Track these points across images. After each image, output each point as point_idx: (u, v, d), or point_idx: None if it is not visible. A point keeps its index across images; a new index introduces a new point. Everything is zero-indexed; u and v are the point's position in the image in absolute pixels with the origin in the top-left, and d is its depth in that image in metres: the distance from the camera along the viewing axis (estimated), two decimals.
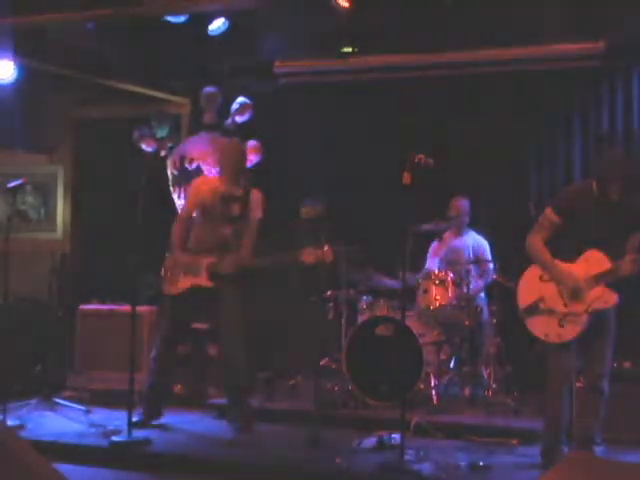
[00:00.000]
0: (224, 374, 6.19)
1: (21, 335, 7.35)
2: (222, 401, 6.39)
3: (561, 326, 4.95)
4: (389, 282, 7.02)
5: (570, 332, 4.93)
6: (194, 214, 6.08)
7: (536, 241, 5.08)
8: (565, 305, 4.96)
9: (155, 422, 6.06)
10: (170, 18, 6.63)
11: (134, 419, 5.84)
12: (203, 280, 5.93)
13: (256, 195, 6.14)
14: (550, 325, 4.98)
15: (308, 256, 5.74)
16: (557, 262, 5.04)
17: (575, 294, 4.94)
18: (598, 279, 4.91)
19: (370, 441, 5.49)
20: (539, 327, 5.02)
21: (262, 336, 7.43)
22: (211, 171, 7.34)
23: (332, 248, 5.75)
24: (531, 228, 5.18)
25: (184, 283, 5.97)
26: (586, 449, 5.02)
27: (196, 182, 6.19)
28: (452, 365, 6.88)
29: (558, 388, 5.06)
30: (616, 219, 4.89)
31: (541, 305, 5.03)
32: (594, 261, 4.93)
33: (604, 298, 4.93)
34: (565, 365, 5.04)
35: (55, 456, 4.33)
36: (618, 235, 4.92)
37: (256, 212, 6.08)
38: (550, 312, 4.99)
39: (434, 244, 7.38)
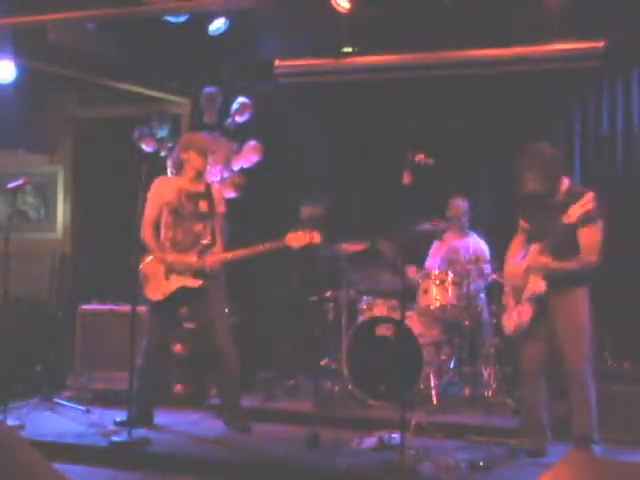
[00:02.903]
0: (215, 374, 6.18)
1: (21, 335, 7.35)
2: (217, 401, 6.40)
3: (513, 317, 5.31)
4: (389, 282, 7.01)
5: (517, 321, 5.27)
6: (162, 215, 5.99)
7: (512, 244, 5.47)
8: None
9: (143, 426, 5.90)
10: (170, 18, 6.63)
11: (119, 419, 5.86)
12: (189, 281, 5.91)
13: (217, 189, 6.19)
14: (509, 319, 5.36)
15: (293, 241, 5.75)
16: (510, 260, 5.46)
17: (515, 292, 5.32)
18: (528, 270, 5.23)
19: (370, 441, 5.49)
20: (505, 323, 5.44)
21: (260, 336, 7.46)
22: (211, 171, 7.34)
23: (319, 231, 5.78)
24: None
25: (169, 287, 5.92)
26: (584, 447, 5.05)
27: (156, 183, 6.04)
28: (452, 365, 6.88)
29: (525, 378, 5.35)
30: (553, 215, 5.10)
31: (504, 302, 5.50)
32: (533, 254, 5.26)
33: (535, 286, 5.19)
34: (528, 354, 5.31)
35: (55, 456, 4.33)
36: (556, 230, 5.10)
37: (220, 206, 6.10)
38: (509, 307, 5.39)
39: (435, 244, 7.39)
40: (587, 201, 4.99)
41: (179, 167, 6.11)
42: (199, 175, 6.07)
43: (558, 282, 5.15)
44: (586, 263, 5.12)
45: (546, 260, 5.16)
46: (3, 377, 6.17)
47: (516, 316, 5.29)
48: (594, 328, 6.10)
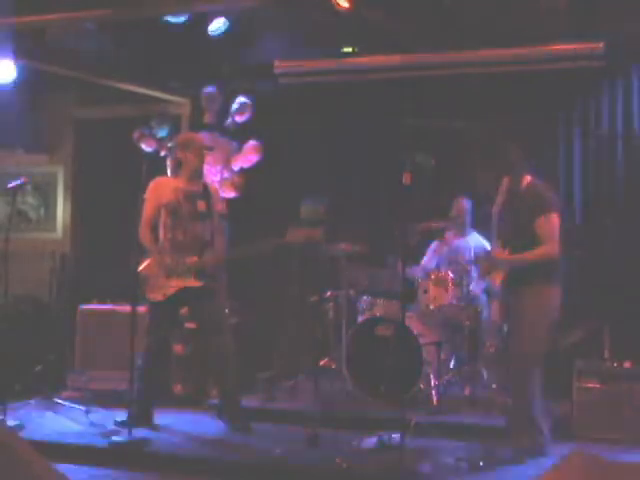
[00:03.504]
0: (215, 374, 6.19)
1: (21, 335, 7.36)
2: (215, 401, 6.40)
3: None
4: (389, 282, 7.01)
5: (493, 317, 5.73)
6: (161, 216, 5.99)
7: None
8: None
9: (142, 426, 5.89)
10: (170, 18, 6.63)
11: (119, 419, 5.86)
12: (190, 281, 5.91)
13: (214, 188, 6.20)
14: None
15: (293, 237, 5.75)
16: None
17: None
18: (490, 267, 5.49)
19: (370, 441, 5.49)
20: None
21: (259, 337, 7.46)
22: (211, 171, 7.35)
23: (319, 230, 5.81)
24: None
25: (169, 288, 5.91)
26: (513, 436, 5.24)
27: (153, 184, 6.01)
28: (452, 365, 6.88)
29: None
30: (511, 212, 5.30)
31: None
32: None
33: (494, 281, 5.41)
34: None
35: (55, 456, 4.33)
36: (512, 227, 5.27)
37: (218, 205, 6.11)
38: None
39: (434, 244, 7.39)
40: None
41: (176, 167, 6.09)
42: (196, 175, 6.06)
43: (515, 278, 5.23)
44: (542, 254, 5.16)
45: (500, 254, 5.26)
46: (3, 377, 6.17)
47: (492, 312, 5.47)
48: (601, 328, 6.14)
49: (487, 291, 6.96)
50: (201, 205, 5.99)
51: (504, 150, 5.37)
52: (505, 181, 5.30)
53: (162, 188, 6.00)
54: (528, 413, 5.25)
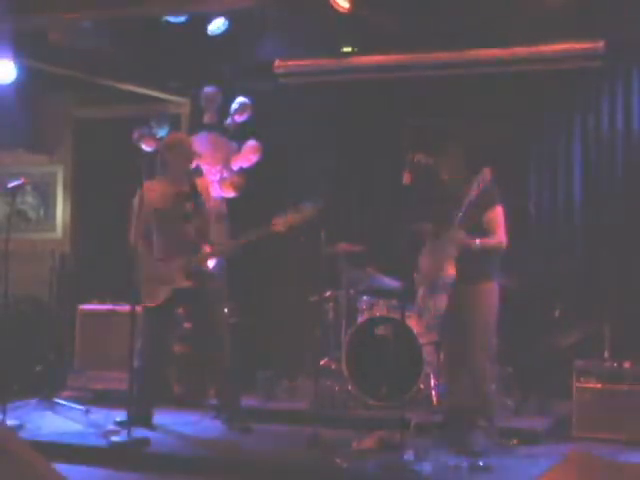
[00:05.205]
0: (212, 374, 6.19)
1: (21, 335, 7.36)
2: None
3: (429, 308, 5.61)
4: (389, 282, 7.01)
5: (434, 311, 5.53)
6: (152, 221, 5.98)
7: None
8: None
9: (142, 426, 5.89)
10: (170, 18, 6.62)
11: (119, 419, 5.86)
12: (182, 282, 5.89)
13: (203, 185, 6.14)
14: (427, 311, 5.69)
15: (279, 225, 5.76)
16: None
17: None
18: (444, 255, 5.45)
19: (370, 441, 5.49)
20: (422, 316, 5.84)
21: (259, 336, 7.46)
22: (211, 171, 7.35)
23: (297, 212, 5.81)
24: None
25: (164, 292, 5.91)
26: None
27: (141, 191, 5.90)
28: None
29: (447, 371, 5.79)
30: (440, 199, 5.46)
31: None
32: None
33: (446, 273, 5.36)
34: (445, 347, 5.78)
35: (55, 456, 4.33)
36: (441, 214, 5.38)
37: (209, 202, 6.09)
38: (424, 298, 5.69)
39: None
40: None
41: (163, 168, 6.06)
42: (184, 175, 6.02)
43: (468, 273, 5.27)
44: (496, 242, 5.34)
45: (461, 235, 5.27)
46: (3, 377, 6.17)
47: (432, 306, 5.44)
48: (601, 328, 6.13)
49: None
50: (191, 205, 5.96)
51: (452, 149, 5.53)
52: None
53: (150, 194, 5.92)
54: (488, 413, 5.33)
